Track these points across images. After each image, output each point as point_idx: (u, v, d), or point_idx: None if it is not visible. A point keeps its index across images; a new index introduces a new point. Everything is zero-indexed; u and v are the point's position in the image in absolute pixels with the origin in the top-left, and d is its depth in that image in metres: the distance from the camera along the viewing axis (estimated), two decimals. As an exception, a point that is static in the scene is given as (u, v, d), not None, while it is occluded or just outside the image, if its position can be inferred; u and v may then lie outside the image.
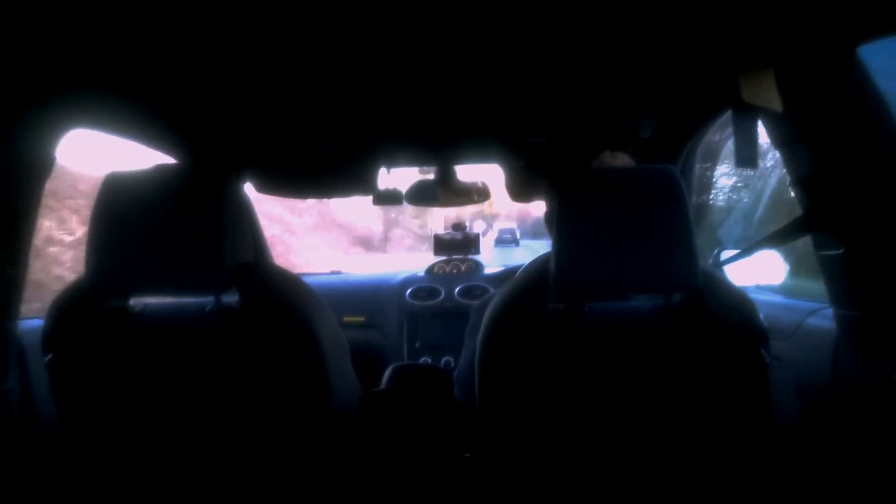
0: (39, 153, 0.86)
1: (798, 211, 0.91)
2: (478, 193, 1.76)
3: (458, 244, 2.13)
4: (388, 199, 1.66)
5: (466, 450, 0.92)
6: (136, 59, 0.84)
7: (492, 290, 1.90)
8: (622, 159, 1.08)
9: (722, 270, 1.20)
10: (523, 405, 0.78)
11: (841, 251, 0.82)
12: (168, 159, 1.28)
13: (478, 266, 2.10)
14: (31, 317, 0.94)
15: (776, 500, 0.78)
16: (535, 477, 0.79)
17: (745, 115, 0.87)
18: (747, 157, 0.90)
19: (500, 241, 15.89)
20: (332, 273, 2.18)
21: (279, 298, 0.81)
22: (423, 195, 1.72)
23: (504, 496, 0.80)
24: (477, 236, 2.16)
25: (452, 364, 1.81)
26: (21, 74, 0.79)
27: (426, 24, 0.74)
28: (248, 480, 0.81)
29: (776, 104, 0.83)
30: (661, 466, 0.77)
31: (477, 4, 0.68)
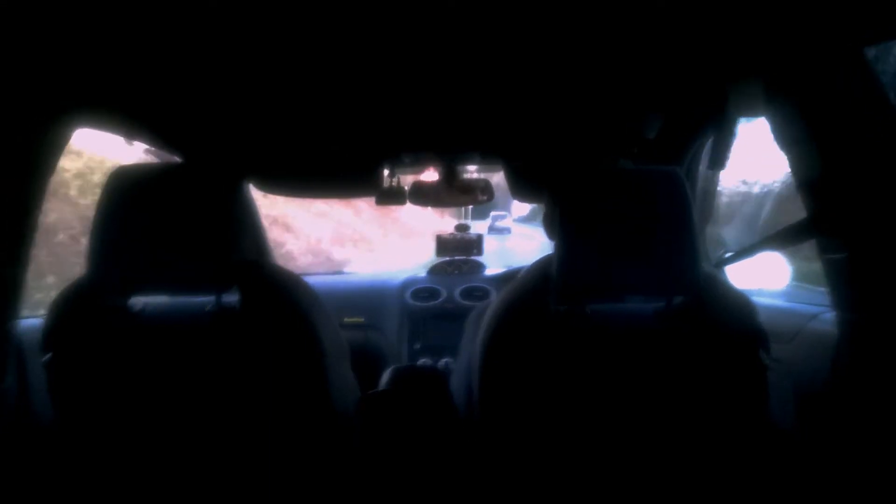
0: (44, 152, 0.86)
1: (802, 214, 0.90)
2: (482, 191, 1.76)
3: (460, 245, 2.13)
4: (391, 198, 1.66)
5: (465, 451, 0.91)
6: (141, 59, 0.84)
7: (493, 290, 1.89)
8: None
9: (724, 273, 1.19)
10: (524, 406, 0.78)
11: (845, 255, 0.81)
12: (173, 159, 1.29)
13: (479, 267, 2.10)
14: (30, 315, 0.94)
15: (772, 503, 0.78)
16: (534, 478, 0.78)
17: (728, 119, 0.89)
18: (720, 158, 0.92)
19: (492, 229, 15.58)
20: (334, 273, 2.18)
21: (279, 298, 0.81)
22: (426, 195, 1.72)
23: (503, 497, 0.80)
24: (480, 237, 2.15)
25: (451, 365, 1.80)
26: (28, 73, 0.79)
27: (428, 25, 0.74)
28: (247, 480, 0.81)
29: (769, 109, 0.83)
30: (660, 467, 0.77)
31: (480, 6, 0.68)
